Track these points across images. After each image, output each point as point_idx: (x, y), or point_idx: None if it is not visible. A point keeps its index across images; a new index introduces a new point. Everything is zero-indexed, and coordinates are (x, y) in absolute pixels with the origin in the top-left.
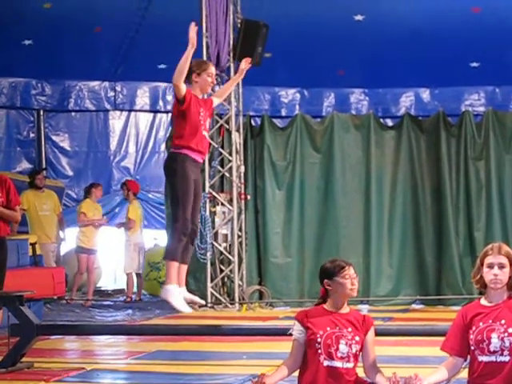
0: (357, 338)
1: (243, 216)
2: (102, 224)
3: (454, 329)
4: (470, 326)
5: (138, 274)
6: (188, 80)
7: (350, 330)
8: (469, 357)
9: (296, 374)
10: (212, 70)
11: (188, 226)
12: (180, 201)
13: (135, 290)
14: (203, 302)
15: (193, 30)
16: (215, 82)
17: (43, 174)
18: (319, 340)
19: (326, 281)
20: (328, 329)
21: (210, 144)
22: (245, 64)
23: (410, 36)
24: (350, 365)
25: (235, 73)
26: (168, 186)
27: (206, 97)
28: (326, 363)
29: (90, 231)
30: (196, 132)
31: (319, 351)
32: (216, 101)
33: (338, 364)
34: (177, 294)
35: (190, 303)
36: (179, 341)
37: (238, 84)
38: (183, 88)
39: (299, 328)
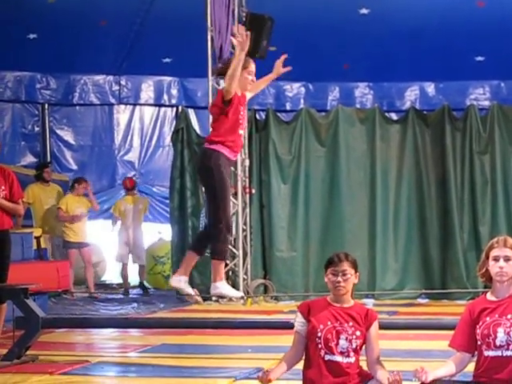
0: (357, 333)
1: (248, 210)
2: (81, 218)
3: (462, 325)
4: (477, 321)
5: (140, 266)
6: None
7: (350, 324)
8: (476, 352)
9: (299, 366)
10: (253, 67)
11: (230, 224)
12: (221, 202)
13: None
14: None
15: (242, 33)
16: (255, 80)
17: (51, 168)
18: (319, 334)
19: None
20: (329, 323)
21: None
22: (280, 66)
23: (415, 30)
24: (351, 359)
25: None
26: (205, 187)
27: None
28: (326, 357)
29: (76, 225)
30: (234, 130)
31: (319, 346)
32: (248, 95)
33: (338, 358)
34: (228, 286)
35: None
36: (184, 334)
37: None
38: (233, 92)
39: (301, 320)
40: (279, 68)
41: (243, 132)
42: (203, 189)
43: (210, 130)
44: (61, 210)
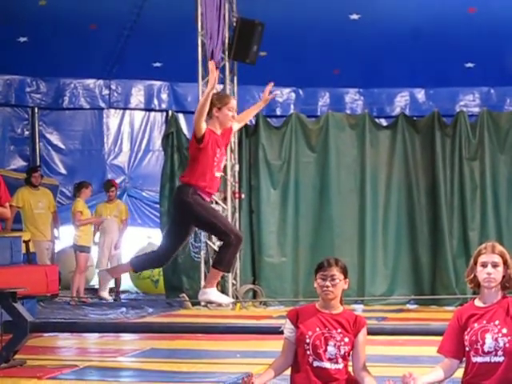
0: (346, 340)
1: (237, 215)
2: (99, 222)
3: (450, 331)
4: (465, 327)
5: None
6: (208, 114)
7: (339, 330)
8: (464, 358)
9: (288, 372)
10: (233, 103)
11: (237, 231)
12: (216, 221)
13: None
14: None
15: (213, 70)
16: (236, 116)
17: (39, 173)
18: (308, 341)
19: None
20: (317, 329)
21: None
22: (268, 93)
23: (406, 36)
24: (340, 366)
25: (230, 71)
26: (192, 220)
27: None
28: (315, 364)
29: (89, 229)
30: (207, 173)
31: (308, 352)
32: (236, 126)
33: (326, 365)
34: (217, 292)
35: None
36: (173, 339)
37: (232, 83)
38: (203, 127)
39: (290, 326)
40: (266, 95)
41: (220, 173)
42: (191, 223)
43: (186, 169)
44: (79, 214)
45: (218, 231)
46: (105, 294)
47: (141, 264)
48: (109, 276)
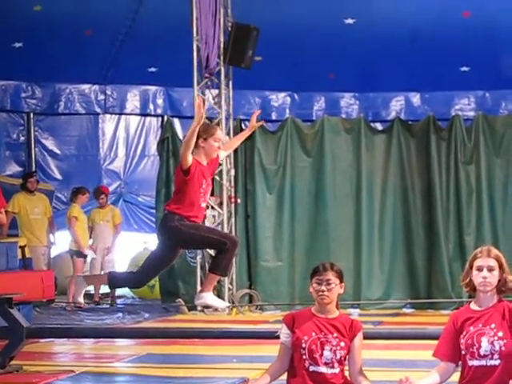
0: (342, 344)
1: (233, 220)
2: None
3: (445, 335)
4: (460, 331)
5: None
6: (194, 144)
7: (335, 335)
8: (460, 361)
9: (284, 377)
10: (219, 134)
11: (235, 238)
12: (210, 235)
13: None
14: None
15: (200, 105)
16: (222, 147)
17: (35, 178)
18: (304, 345)
19: None
20: (313, 334)
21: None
22: (256, 122)
23: (401, 40)
24: (336, 370)
25: (225, 76)
26: (186, 242)
27: None
28: (311, 368)
29: (85, 234)
30: (194, 204)
31: (304, 356)
32: (222, 154)
33: (322, 369)
34: (213, 297)
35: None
36: (169, 344)
37: (228, 87)
38: (190, 160)
39: (286, 331)
40: (253, 123)
41: (205, 203)
42: (178, 248)
43: (172, 197)
44: (75, 219)
45: (213, 244)
46: (80, 299)
47: (117, 281)
48: (84, 283)
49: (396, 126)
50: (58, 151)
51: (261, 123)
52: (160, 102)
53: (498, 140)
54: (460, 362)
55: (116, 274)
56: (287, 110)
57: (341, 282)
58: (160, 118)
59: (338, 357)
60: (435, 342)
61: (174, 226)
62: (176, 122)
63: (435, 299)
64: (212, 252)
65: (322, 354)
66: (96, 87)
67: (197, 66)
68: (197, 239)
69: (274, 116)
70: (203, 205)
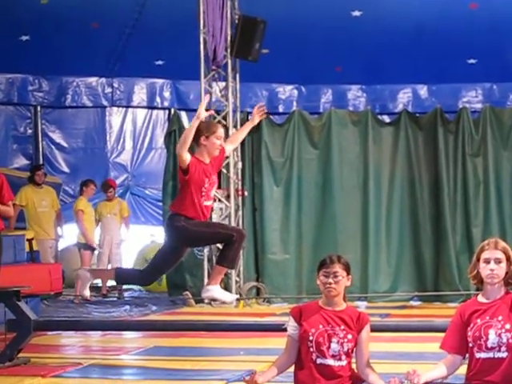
0: (349, 337)
1: (240, 212)
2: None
3: (453, 327)
4: (468, 323)
5: None
6: (196, 143)
7: (342, 327)
8: (467, 354)
9: (291, 369)
10: (221, 132)
11: (242, 231)
12: (217, 230)
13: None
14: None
15: (202, 104)
16: (224, 145)
17: (43, 171)
18: (311, 338)
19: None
20: (320, 326)
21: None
22: (258, 114)
23: (408, 33)
24: (343, 362)
25: (233, 69)
26: (193, 241)
27: None
28: (318, 361)
29: (92, 227)
30: (195, 204)
31: (311, 349)
32: (229, 148)
33: (330, 362)
34: (220, 290)
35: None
36: (176, 337)
37: (235, 80)
38: (187, 158)
39: (293, 324)
40: (256, 115)
41: (210, 202)
42: (185, 247)
43: (176, 197)
44: (81, 212)
45: (222, 238)
46: (85, 292)
47: (123, 277)
48: (90, 276)
49: (403, 119)
50: (65, 144)
51: (263, 116)
52: (167, 94)
53: (506, 132)
54: (467, 355)
55: (123, 271)
56: (294, 103)
57: (348, 274)
58: (167, 111)
59: (346, 349)
60: (442, 335)
61: (180, 226)
62: (183, 114)
63: (442, 292)
64: (219, 245)
65: (329, 347)
66: (103, 80)
67: (204, 58)
68: (205, 236)
69: (281, 109)
70: (207, 203)
